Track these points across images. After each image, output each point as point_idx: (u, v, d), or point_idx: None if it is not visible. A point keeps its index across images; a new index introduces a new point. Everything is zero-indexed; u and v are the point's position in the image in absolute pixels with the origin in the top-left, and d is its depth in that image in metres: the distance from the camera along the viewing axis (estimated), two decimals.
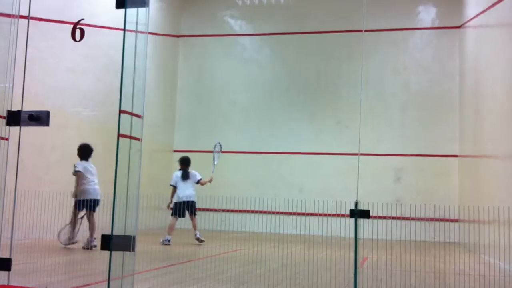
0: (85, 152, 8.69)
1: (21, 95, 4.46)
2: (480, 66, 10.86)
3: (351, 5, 12.94)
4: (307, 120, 14.19)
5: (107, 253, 4.03)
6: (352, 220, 4.53)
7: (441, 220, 12.39)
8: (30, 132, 4.57)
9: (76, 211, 8.51)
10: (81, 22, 7.99)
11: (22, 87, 4.44)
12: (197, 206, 9.92)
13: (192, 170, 9.94)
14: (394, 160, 13.44)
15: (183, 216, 9.61)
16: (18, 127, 4.38)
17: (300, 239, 11.33)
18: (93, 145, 8.81)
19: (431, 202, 12.08)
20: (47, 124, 4.33)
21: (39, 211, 7.50)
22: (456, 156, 13.09)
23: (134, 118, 4.16)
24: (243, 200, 12.19)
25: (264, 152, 14.20)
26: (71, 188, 8.59)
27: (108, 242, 4.01)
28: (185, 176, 9.79)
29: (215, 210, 12.92)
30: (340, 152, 13.36)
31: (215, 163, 10.42)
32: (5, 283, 4.38)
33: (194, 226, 9.74)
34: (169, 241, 9.39)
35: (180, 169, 9.92)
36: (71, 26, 7.99)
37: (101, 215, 8.26)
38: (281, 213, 12.24)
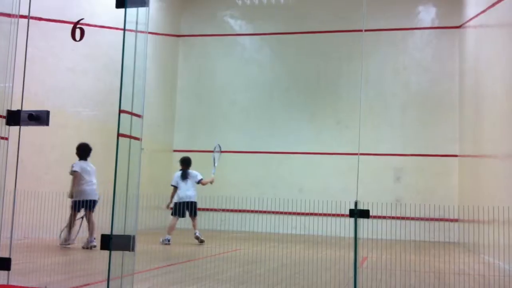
0: (83, 151, 8.68)
1: (21, 95, 4.46)
2: (480, 66, 10.86)
3: (351, 5, 12.93)
4: (307, 120, 14.19)
5: (106, 252, 4.03)
6: (352, 220, 4.53)
7: (441, 220, 12.39)
8: (30, 132, 4.57)
9: (73, 212, 8.51)
10: (81, 21, 8.01)
11: (22, 86, 4.45)
12: (198, 206, 9.93)
13: (193, 170, 9.95)
14: (394, 160, 13.44)
15: (184, 216, 9.62)
16: (18, 127, 4.38)
17: (300, 239, 11.33)
18: (92, 145, 8.81)
19: (431, 202, 12.08)
20: (47, 124, 4.34)
21: (38, 211, 7.49)
22: (456, 156, 13.08)
23: (134, 118, 4.17)
24: (243, 200, 12.18)
25: (264, 152, 14.20)
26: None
27: (108, 242, 4.02)
28: (186, 176, 9.80)
29: (215, 210, 12.92)
30: (340, 152, 13.35)
31: (216, 164, 10.44)
32: (5, 282, 4.39)
33: (194, 226, 9.74)
34: (169, 240, 9.40)
35: (181, 169, 9.93)
36: (71, 25, 8.00)
37: (101, 215, 8.26)
38: (281, 213, 12.23)
